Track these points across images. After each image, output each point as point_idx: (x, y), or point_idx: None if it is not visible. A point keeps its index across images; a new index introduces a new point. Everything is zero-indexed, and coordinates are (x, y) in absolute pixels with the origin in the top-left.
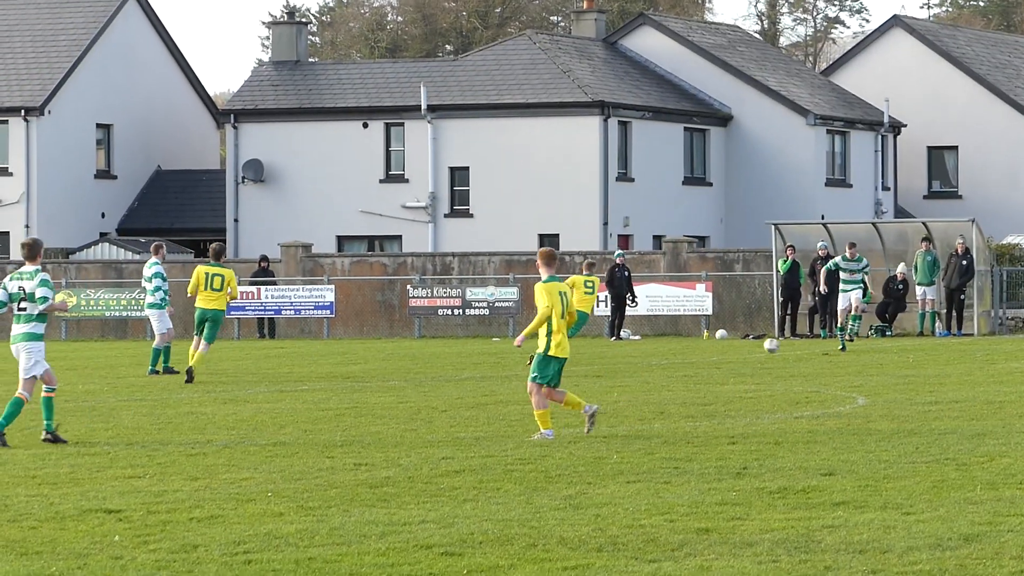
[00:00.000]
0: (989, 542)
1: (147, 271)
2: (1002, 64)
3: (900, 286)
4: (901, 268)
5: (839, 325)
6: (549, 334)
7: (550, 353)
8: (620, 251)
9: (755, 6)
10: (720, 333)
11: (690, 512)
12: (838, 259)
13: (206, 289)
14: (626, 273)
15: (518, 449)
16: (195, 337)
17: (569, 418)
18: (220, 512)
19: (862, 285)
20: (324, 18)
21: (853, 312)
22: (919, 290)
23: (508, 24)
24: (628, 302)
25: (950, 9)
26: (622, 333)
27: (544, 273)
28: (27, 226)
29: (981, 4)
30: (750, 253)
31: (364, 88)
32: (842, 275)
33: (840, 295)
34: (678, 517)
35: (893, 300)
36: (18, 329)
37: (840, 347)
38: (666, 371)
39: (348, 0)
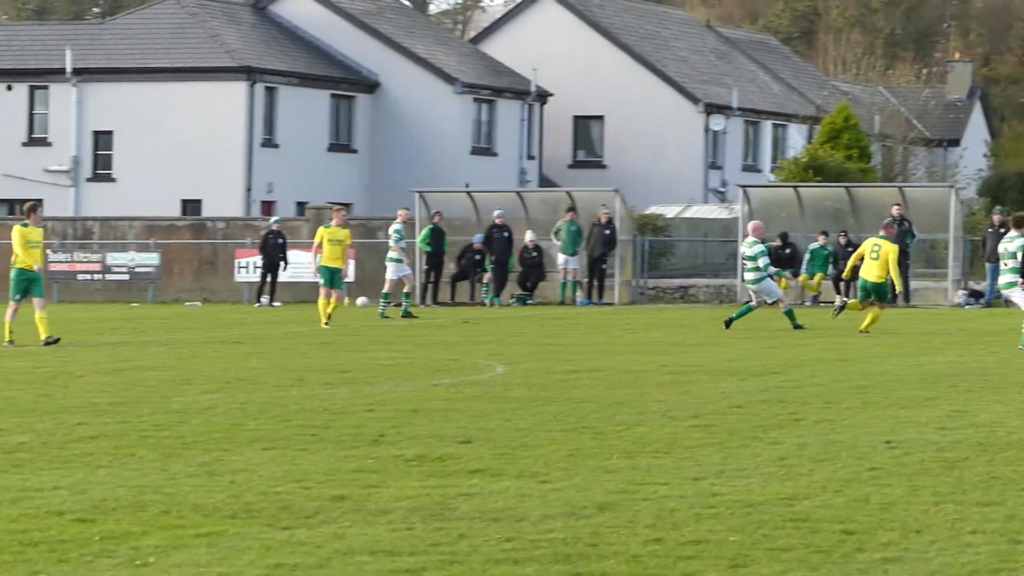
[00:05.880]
0: (624, 510)
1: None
2: (651, 35)
3: (534, 254)
4: (529, 236)
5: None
6: None
7: None
8: (277, 217)
9: None
10: (361, 300)
11: (326, 479)
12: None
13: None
14: (280, 240)
15: (154, 415)
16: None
17: (207, 384)
18: None
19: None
20: None
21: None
22: (561, 259)
23: None
24: (281, 269)
25: None
26: (263, 299)
27: None
28: None
29: None
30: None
31: (9, 50)
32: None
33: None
34: (314, 484)
35: (530, 269)
36: None
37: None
38: (306, 338)
39: None
